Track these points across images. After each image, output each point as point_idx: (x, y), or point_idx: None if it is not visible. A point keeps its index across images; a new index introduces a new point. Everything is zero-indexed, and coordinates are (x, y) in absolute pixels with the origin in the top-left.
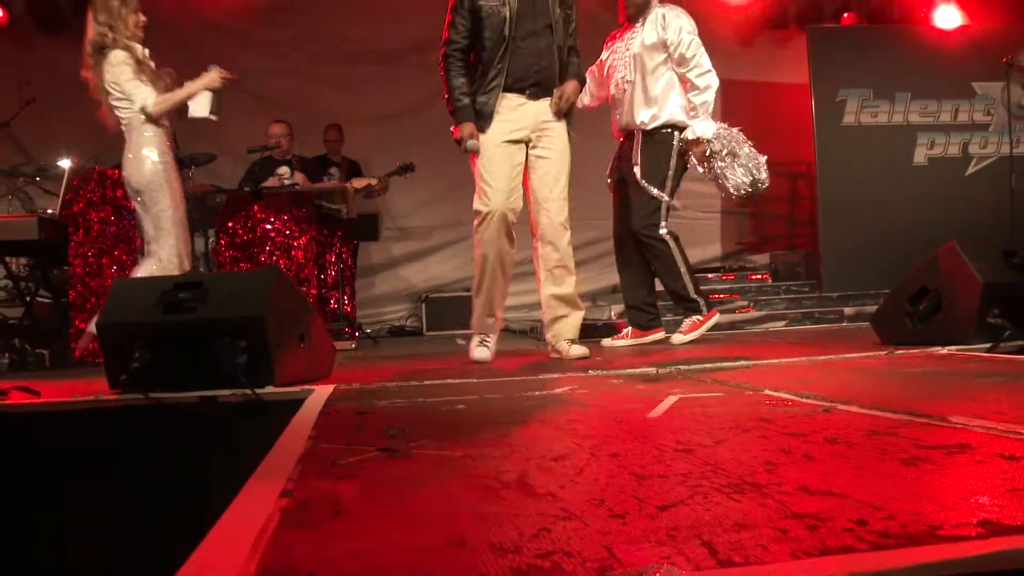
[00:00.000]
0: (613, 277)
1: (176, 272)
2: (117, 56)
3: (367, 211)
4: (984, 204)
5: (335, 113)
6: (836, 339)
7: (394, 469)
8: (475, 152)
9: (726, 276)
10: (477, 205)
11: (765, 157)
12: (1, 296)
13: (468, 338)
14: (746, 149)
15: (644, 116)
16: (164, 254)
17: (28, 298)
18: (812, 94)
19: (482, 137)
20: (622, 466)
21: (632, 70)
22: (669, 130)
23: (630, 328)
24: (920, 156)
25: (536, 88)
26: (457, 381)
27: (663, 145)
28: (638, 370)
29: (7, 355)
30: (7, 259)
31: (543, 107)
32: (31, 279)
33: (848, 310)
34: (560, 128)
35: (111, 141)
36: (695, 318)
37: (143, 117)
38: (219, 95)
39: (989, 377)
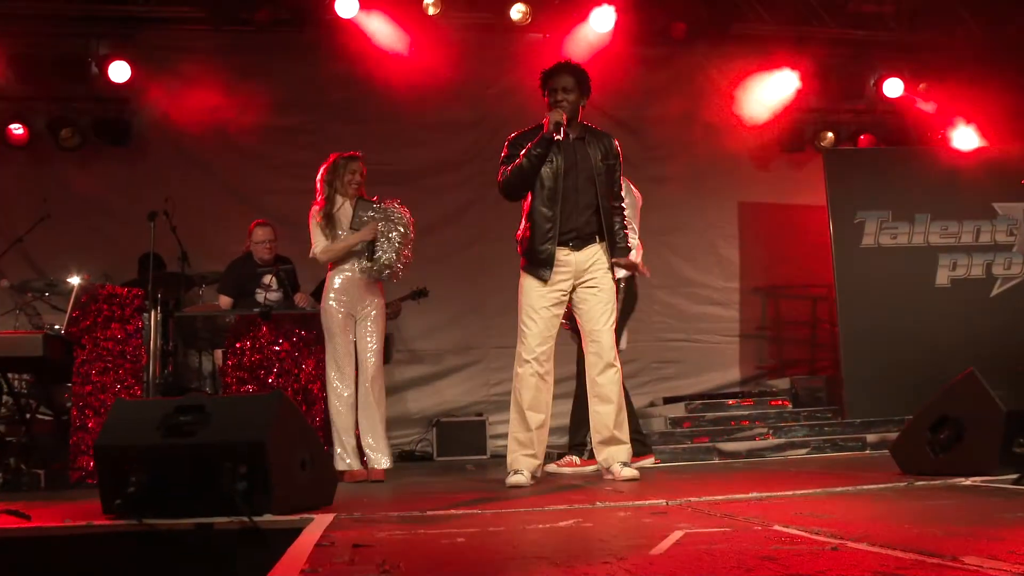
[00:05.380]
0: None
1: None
2: (312, 209)
3: None
4: (1012, 325)
5: None
6: (856, 469)
7: None
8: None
9: (745, 402)
10: (518, 347)
11: None
12: (1, 412)
13: (478, 464)
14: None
15: None
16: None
17: (28, 415)
18: (830, 216)
19: (529, 286)
20: None
21: None
22: None
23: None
24: (943, 278)
25: (578, 240)
26: (461, 512)
27: None
28: (647, 502)
29: (1, 475)
30: (9, 375)
31: (584, 256)
32: (32, 396)
33: (871, 437)
34: (604, 270)
35: (122, 260)
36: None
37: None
38: (372, 245)
39: (1012, 513)
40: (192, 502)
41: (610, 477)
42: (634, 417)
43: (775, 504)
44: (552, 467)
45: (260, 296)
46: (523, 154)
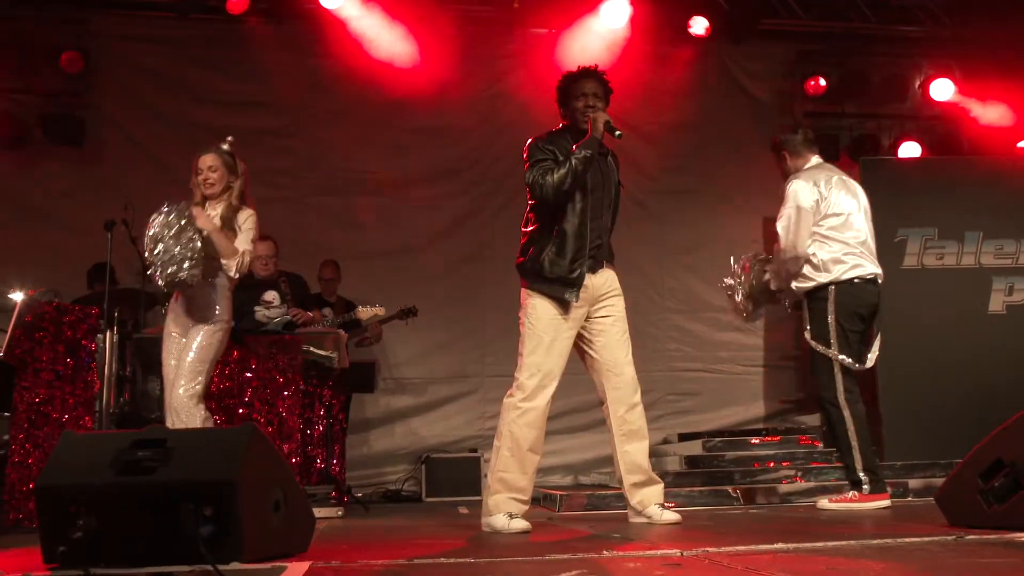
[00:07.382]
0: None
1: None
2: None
3: (362, 360)
4: None
5: (332, 248)
6: (896, 518)
7: None
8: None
9: (769, 439)
10: (523, 379)
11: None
12: None
13: (471, 506)
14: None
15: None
16: None
17: None
18: None
19: (545, 311)
20: None
21: None
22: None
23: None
24: (997, 303)
25: (594, 262)
26: (451, 561)
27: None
28: (660, 552)
29: None
30: None
31: (600, 280)
32: None
33: (914, 482)
34: (618, 296)
35: (73, 274)
36: (853, 493)
37: None
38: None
39: None
40: (149, 549)
41: (643, 520)
42: (871, 447)
43: (803, 557)
44: (825, 502)
45: (259, 314)
46: (571, 155)
